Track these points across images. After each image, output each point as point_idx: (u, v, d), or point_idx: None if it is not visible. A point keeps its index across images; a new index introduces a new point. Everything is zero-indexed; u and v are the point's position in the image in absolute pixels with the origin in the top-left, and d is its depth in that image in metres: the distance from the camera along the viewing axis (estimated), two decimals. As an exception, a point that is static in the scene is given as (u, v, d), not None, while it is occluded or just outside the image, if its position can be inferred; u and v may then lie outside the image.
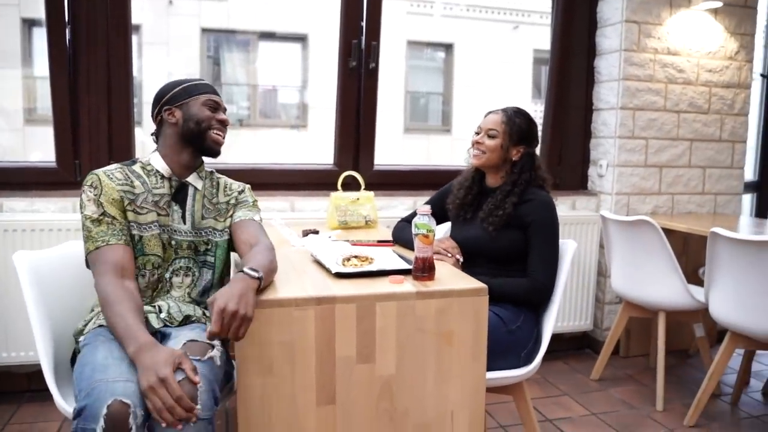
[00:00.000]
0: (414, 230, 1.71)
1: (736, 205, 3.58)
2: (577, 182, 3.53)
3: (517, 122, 2.13)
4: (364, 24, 3.02)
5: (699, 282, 3.01)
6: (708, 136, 3.45)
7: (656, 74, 3.29)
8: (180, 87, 1.81)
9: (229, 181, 1.98)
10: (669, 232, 3.07)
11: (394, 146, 9.70)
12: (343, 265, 1.78)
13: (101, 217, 1.67)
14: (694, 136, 3.42)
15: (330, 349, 1.57)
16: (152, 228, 1.75)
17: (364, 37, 3.03)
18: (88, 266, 1.69)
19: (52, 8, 2.64)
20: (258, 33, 9.59)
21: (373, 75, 3.07)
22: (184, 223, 1.81)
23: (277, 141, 9.52)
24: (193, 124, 1.79)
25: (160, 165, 1.81)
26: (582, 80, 3.45)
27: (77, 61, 2.72)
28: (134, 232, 1.73)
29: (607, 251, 3.05)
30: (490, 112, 2.20)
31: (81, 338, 1.65)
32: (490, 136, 2.14)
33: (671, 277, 2.72)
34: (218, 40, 9.67)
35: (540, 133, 3.48)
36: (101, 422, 1.29)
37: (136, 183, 1.76)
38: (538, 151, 3.41)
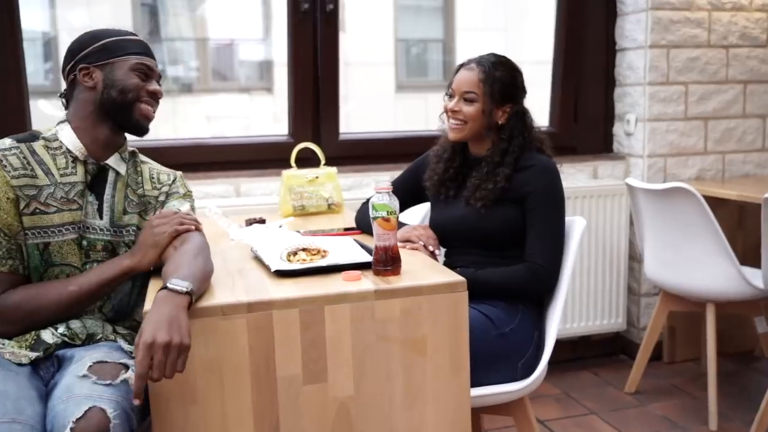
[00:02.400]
0: (372, 213, 1.73)
1: (807, 163, 3.59)
2: (599, 144, 3.54)
3: (497, 76, 2.12)
4: (317, -48, 3.02)
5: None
6: None
7: (696, 0, 3.28)
8: (102, 42, 1.76)
9: (156, 168, 1.97)
10: (719, 202, 3.08)
11: (384, 109, 9.69)
12: (288, 260, 1.79)
13: None
14: (749, 77, 3.42)
15: (269, 368, 1.58)
16: (65, 232, 1.73)
17: (318, -28, 3.03)
18: None
19: None
20: (205, -29, 9.53)
21: (331, 20, 3.07)
22: (101, 218, 1.79)
23: (236, 109, 9.49)
24: (117, 92, 1.75)
25: (71, 142, 1.76)
26: (600, 13, 3.45)
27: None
28: (35, 240, 1.70)
29: (638, 230, 3.05)
30: (461, 66, 2.18)
31: None
32: (468, 101, 2.13)
33: (719, 258, 2.73)
34: (154, -16, 9.61)
35: (550, 84, 3.49)
36: None
37: (39, 172, 1.72)
38: (546, 106, 3.46)
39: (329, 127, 3.15)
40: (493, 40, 9.56)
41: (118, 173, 1.83)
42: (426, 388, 1.67)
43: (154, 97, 1.82)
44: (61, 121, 1.80)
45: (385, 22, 10.00)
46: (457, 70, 2.19)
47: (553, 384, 3.22)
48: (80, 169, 1.76)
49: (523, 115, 2.17)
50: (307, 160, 2.84)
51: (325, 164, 2.81)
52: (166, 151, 2.97)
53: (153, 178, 1.93)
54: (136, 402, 1.36)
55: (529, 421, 2.07)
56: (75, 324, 1.73)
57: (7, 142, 1.73)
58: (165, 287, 1.48)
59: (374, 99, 9.43)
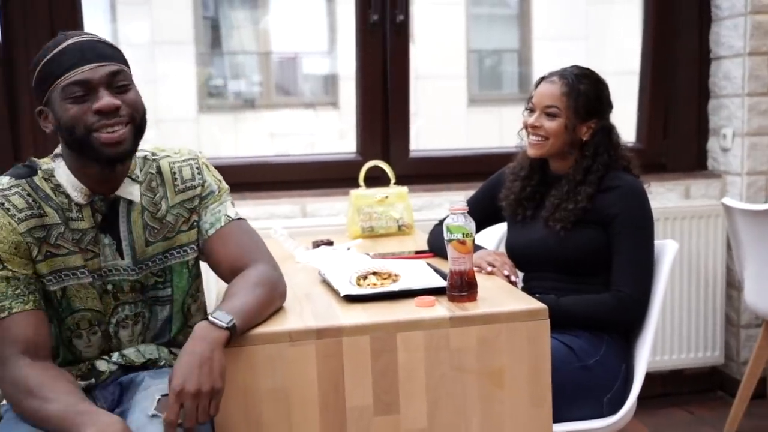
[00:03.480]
0: (446, 235, 1.74)
1: None
2: (692, 161, 3.51)
3: (582, 90, 2.12)
4: (387, -37, 3.08)
5: None
6: None
7: (800, 2, 3.24)
8: (36, 73, 1.57)
9: (174, 160, 1.78)
10: (826, 224, 3.01)
11: (456, 124, 9.70)
12: (358, 284, 1.82)
13: None
14: None
15: (338, 398, 1.60)
16: (80, 275, 1.66)
17: (388, -19, 3.08)
18: None
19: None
20: (269, -16, 9.73)
21: (402, 31, 3.12)
22: (122, 258, 1.69)
23: (300, 126, 9.63)
24: (66, 133, 1.56)
25: (70, 183, 1.63)
26: (693, 18, 3.42)
27: (12, 39, 2.85)
28: (53, 287, 1.63)
29: (736, 254, 2.99)
30: (542, 79, 2.19)
31: None
32: (550, 115, 2.14)
33: (827, 285, 2.66)
34: (217, -5, 9.85)
35: (637, 96, 3.46)
36: None
37: (46, 209, 1.61)
38: (632, 120, 3.43)
39: (399, 144, 3.18)
40: (574, 50, 9.48)
41: (130, 203, 1.69)
42: (504, 422, 1.67)
43: (107, 116, 1.54)
44: (57, 155, 1.67)
45: (457, 33, 10.02)
46: (538, 84, 2.20)
47: (642, 422, 3.15)
48: (86, 213, 1.65)
49: (609, 132, 2.16)
50: (376, 179, 2.87)
51: (395, 183, 2.84)
52: (228, 170, 3.00)
53: (175, 179, 1.75)
54: None
55: (616, 461, 2.05)
56: (129, 350, 1.73)
57: (5, 180, 1.60)
58: (206, 318, 1.51)
59: (445, 114, 9.44)
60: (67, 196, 1.62)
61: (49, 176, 1.63)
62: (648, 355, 2.07)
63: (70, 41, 1.55)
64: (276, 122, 9.33)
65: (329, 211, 3.04)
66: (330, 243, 2.51)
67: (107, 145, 1.54)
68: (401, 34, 3.12)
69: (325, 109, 9.75)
